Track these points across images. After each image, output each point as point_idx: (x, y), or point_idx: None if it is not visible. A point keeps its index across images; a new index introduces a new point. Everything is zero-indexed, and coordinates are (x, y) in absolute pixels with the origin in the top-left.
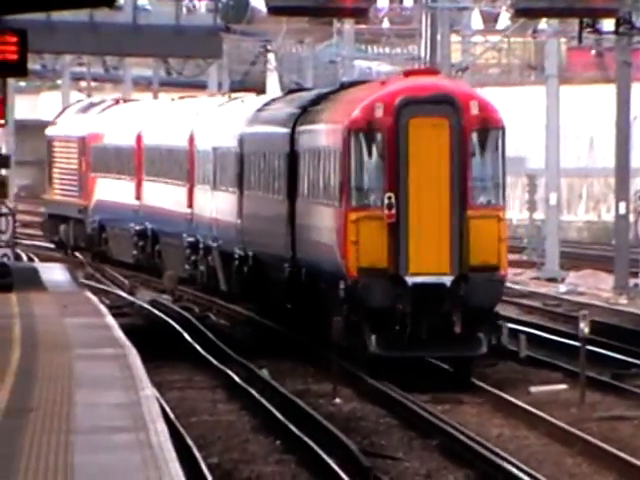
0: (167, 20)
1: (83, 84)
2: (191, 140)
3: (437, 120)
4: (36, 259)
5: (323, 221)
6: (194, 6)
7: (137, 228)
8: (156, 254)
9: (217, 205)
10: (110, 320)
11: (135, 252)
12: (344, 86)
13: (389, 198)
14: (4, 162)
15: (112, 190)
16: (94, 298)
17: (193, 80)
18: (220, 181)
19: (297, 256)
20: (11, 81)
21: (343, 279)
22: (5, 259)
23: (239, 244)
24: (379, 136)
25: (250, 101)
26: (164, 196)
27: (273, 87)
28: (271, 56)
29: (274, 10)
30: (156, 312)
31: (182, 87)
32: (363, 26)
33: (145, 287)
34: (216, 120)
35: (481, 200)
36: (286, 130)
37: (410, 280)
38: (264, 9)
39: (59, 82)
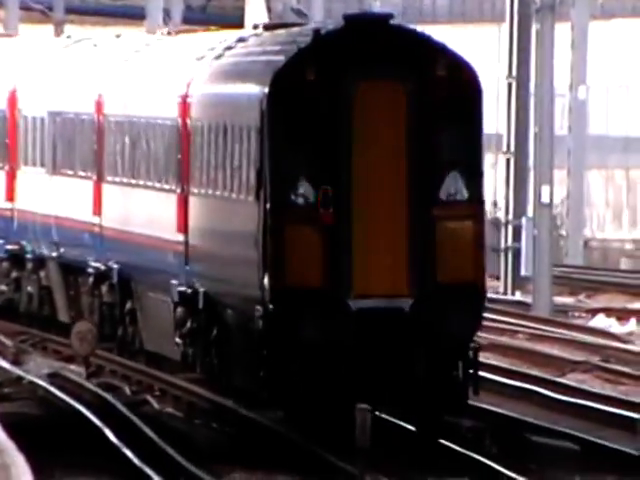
0: None
1: None
2: (12, 101)
3: (391, 84)
4: None
5: (231, 224)
6: None
7: None
8: None
9: (59, 197)
10: None
11: None
12: (257, 30)
13: (325, 192)
14: None
15: None
16: None
17: (122, 7)
18: (64, 162)
19: (191, 272)
20: None
21: (260, 304)
22: None
23: (96, 254)
24: (311, 106)
25: (111, 45)
26: None
27: (256, 19)
28: None
29: None
30: (59, 394)
31: (103, 16)
32: None
33: (40, 352)
34: (56, 72)
35: (452, 193)
36: (174, 92)
37: (354, 304)
38: None
39: None
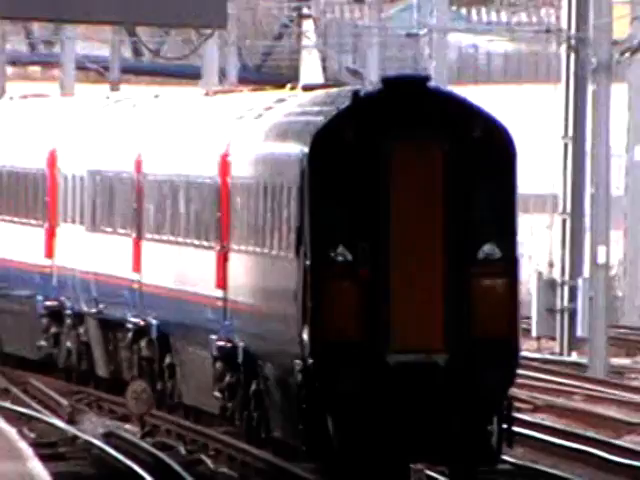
0: None
1: None
2: (52, 160)
3: (428, 146)
4: None
5: (271, 280)
6: None
7: None
8: None
9: (98, 254)
10: (36, 467)
11: None
12: (296, 90)
13: (363, 250)
14: None
15: None
16: (10, 429)
17: (178, 66)
18: (103, 219)
19: (230, 327)
20: None
21: (300, 358)
22: None
23: (135, 309)
24: (350, 166)
25: (149, 105)
26: (1, 241)
27: (312, 78)
28: (309, 25)
29: None
30: (114, 453)
31: (160, 75)
32: None
33: (96, 411)
34: (95, 132)
35: (487, 252)
36: (214, 151)
37: (392, 359)
38: None
39: None
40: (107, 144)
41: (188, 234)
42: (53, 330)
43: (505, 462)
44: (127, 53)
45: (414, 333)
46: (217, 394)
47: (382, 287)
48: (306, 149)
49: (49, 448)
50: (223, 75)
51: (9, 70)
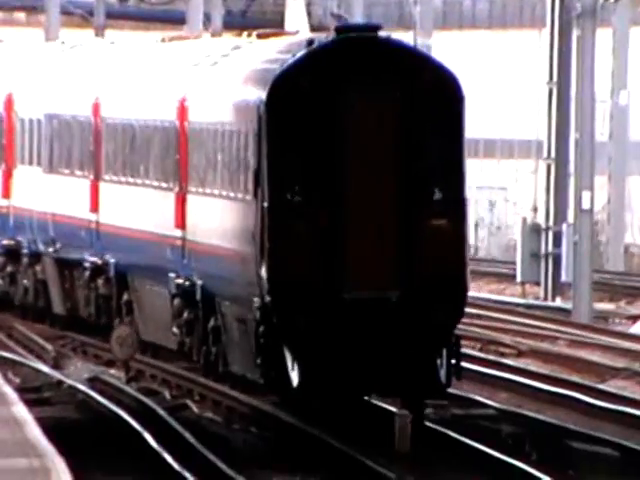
0: None
1: None
2: (8, 104)
3: (380, 93)
4: None
5: (229, 221)
6: None
7: None
8: None
9: (55, 195)
10: (21, 411)
11: None
12: (251, 38)
13: (319, 192)
14: None
15: None
16: None
17: (163, 11)
18: (61, 162)
19: (188, 266)
20: None
21: (258, 296)
22: None
23: (93, 249)
24: (306, 112)
25: (107, 49)
26: None
27: (296, 24)
28: None
29: None
30: (99, 398)
31: (145, 21)
32: None
33: (80, 356)
34: (52, 76)
35: (437, 195)
36: (172, 96)
37: (347, 295)
38: None
39: None
40: (64, 88)
41: (147, 176)
42: (10, 269)
43: (489, 407)
44: None
45: (368, 271)
46: (175, 330)
47: (337, 228)
48: (263, 95)
49: (34, 393)
50: (208, 20)
51: None
